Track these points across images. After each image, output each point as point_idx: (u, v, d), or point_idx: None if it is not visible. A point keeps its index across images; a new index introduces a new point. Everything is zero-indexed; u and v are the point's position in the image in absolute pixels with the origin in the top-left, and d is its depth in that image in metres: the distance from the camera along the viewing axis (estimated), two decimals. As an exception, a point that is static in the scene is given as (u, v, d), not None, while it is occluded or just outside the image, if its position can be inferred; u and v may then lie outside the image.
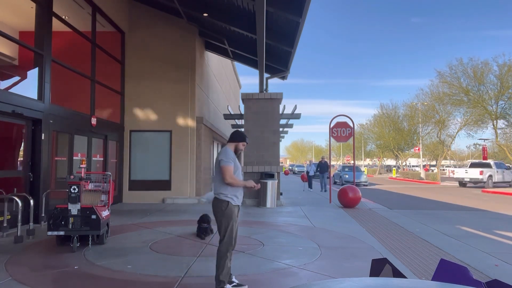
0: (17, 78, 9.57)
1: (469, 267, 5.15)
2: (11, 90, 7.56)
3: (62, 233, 5.75)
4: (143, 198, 12.46)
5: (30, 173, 7.99)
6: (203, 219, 7.06)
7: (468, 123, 29.17)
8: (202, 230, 6.94)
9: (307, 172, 19.27)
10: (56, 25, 8.98)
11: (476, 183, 24.29)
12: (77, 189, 5.82)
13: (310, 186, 19.17)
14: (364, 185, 25.66)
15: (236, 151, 4.32)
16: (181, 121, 12.79)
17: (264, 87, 13.40)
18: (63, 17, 9.50)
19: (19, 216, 6.41)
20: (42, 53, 8.32)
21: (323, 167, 18.08)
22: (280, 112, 13.26)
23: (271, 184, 11.57)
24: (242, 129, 17.14)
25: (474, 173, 23.23)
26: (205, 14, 11.56)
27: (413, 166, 70.09)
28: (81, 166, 6.61)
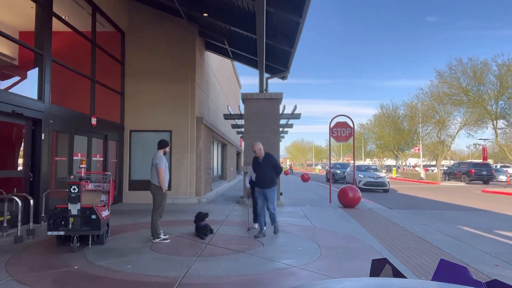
0: (17, 78, 9.57)
1: (469, 267, 5.15)
2: (11, 90, 7.56)
3: (62, 233, 5.75)
4: (143, 198, 12.46)
5: (30, 173, 7.99)
6: (200, 217, 7.05)
7: (468, 123, 29.18)
8: (201, 229, 6.93)
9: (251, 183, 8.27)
10: (56, 25, 8.98)
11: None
12: (77, 189, 5.82)
13: (255, 215, 7.89)
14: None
15: (165, 154, 6.67)
16: (181, 121, 12.79)
17: (264, 87, 13.40)
18: (63, 17, 9.50)
19: (19, 216, 6.41)
20: (42, 53, 8.32)
21: (260, 170, 7.18)
22: (280, 112, 13.26)
23: (271, 184, 11.55)
24: (242, 129, 17.13)
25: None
26: (205, 14, 11.56)
27: (412, 166, 70.07)
28: (81, 166, 6.61)
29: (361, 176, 20.00)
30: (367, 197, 16.13)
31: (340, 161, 74.71)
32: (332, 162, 35.51)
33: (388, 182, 19.71)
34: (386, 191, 19.66)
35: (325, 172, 39.85)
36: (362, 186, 19.64)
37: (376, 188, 19.64)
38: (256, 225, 7.76)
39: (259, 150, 7.10)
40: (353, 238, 6.93)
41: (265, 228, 7.18)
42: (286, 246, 6.21)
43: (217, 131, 16.77)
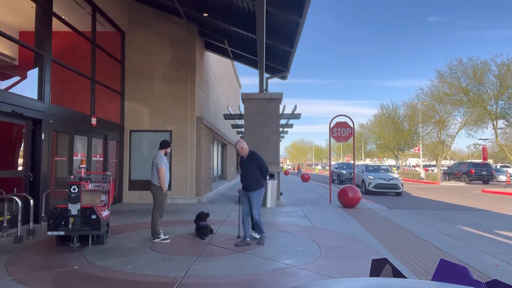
0: (17, 78, 9.56)
1: (469, 267, 5.15)
2: (11, 90, 7.56)
3: (62, 233, 5.75)
4: (143, 198, 12.46)
5: (30, 173, 7.99)
6: (201, 217, 7.04)
7: (468, 123, 29.18)
8: (201, 229, 6.93)
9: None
10: (56, 25, 8.98)
11: None
12: (77, 189, 5.82)
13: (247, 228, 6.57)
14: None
15: (166, 154, 6.73)
16: (181, 121, 12.79)
17: (264, 87, 13.40)
18: (63, 17, 9.50)
19: (19, 216, 6.41)
20: (42, 53, 8.32)
21: (243, 170, 6.56)
22: (280, 112, 13.26)
23: (271, 184, 11.57)
24: (242, 129, 17.14)
25: None
26: (205, 14, 11.56)
27: (412, 166, 70.04)
28: (81, 166, 6.62)
29: (371, 177, 17.94)
30: (377, 200, 16.12)
31: (340, 161, 74.50)
32: (338, 162, 34.19)
33: (402, 184, 17.66)
34: (399, 194, 17.61)
35: (327, 172, 38.49)
36: (372, 189, 17.64)
37: (388, 191, 17.62)
38: (255, 234, 6.79)
39: (241, 148, 6.47)
40: (353, 238, 6.93)
41: (249, 237, 6.41)
42: (286, 246, 6.21)
43: (217, 131, 16.78)
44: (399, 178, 18.01)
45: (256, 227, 6.47)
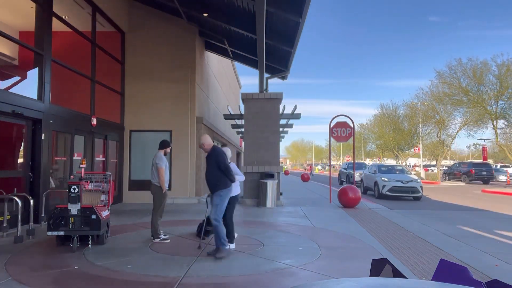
0: (17, 78, 9.57)
1: (469, 267, 5.15)
2: (11, 90, 7.56)
3: (62, 233, 5.75)
4: (143, 198, 12.46)
5: (30, 173, 7.99)
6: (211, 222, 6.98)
7: (468, 123, 29.18)
8: (205, 231, 6.91)
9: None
10: (56, 25, 8.98)
11: None
12: (77, 189, 5.82)
13: (226, 230, 6.19)
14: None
15: (166, 154, 6.68)
16: (181, 121, 12.79)
17: (264, 87, 13.40)
18: (63, 17, 9.50)
19: (19, 216, 6.41)
20: (42, 53, 8.32)
21: (208, 166, 5.76)
22: (280, 112, 13.26)
23: (271, 184, 11.57)
24: (242, 129, 17.15)
25: None
26: (205, 14, 11.56)
27: (412, 166, 69.94)
28: (81, 166, 6.61)
29: (385, 179, 15.71)
30: (377, 201, 16.10)
31: (340, 161, 74.34)
32: (347, 162, 32.76)
33: (421, 187, 15.38)
34: (417, 198, 15.36)
35: (327, 172, 36.67)
36: (387, 193, 15.40)
37: (405, 195, 15.37)
38: (233, 245, 6.08)
39: (202, 145, 5.70)
40: (353, 238, 6.93)
41: (227, 245, 5.56)
42: (286, 246, 6.21)
43: (217, 131, 16.78)
44: (419, 180, 15.74)
45: (215, 231, 5.48)
